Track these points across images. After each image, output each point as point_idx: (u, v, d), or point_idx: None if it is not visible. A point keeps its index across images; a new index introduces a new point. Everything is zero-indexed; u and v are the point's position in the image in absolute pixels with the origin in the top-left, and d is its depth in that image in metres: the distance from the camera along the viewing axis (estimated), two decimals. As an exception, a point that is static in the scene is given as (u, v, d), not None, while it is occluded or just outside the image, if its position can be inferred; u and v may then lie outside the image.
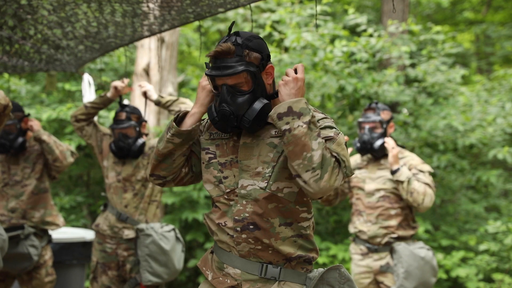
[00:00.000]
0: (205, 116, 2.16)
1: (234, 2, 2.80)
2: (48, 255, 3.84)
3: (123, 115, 3.71)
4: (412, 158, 3.66)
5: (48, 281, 3.80)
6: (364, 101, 6.06)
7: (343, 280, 1.97)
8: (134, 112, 3.72)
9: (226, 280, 2.01)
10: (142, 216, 3.70)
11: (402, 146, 3.76)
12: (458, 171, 6.45)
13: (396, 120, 6.23)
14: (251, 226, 1.95)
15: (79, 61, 4.56)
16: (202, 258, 2.16)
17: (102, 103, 3.78)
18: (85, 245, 4.63)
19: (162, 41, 5.98)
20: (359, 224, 3.71)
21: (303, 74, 1.91)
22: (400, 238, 3.63)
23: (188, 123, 2.04)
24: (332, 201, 3.84)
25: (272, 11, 7.28)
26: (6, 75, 6.07)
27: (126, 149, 3.66)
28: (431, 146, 6.40)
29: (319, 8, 6.23)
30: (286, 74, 1.93)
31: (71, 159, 3.84)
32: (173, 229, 3.69)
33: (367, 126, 3.71)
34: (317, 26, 2.97)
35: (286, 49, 6.53)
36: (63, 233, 4.73)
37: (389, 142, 3.62)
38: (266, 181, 1.95)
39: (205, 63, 2.00)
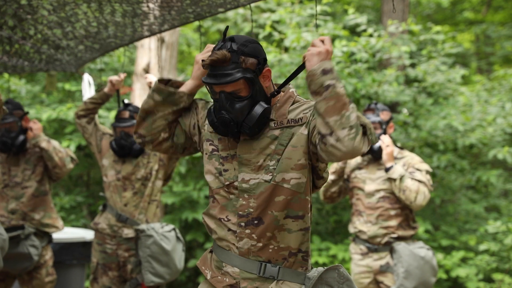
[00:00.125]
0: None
1: (234, 2, 2.80)
2: (48, 255, 3.84)
3: (126, 114, 3.72)
4: (412, 158, 3.66)
5: (48, 281, 3.80)
6: (364, 101, 6.06)
7: (342, 280, 1.97)
8: (137, 112, 3.72)
9: (224, 279, 2.02)
10: (142, 216, 3.70)
11: (401, 148, 3.76)
12: (458, 171, 6.46)
13: (396, 120, 6.23)
14: (255, 221, 1.96)
15: (79, 61, 4.56)
16: (202, 257, 2.17)
17: (100, 98, 3.78)
18: (85, 245, 4.63)
19: (162, 41, 5.98)
20: (359, 224, 3.72)
21: (331, 47, 1.91)
22: (400, 238, 3.63)
23: (173, 86, 2.12)
24: (335, 199, 3.87)
25: (272, 11, 7.29)
26: (6, 75, 6.07)
27: (128, 147, 3.67)
28: (431, 146, 6.40)
29: (319, 8, 6.23)
30: (314, 45, 1.91)
31: (70, 165, 3.84)
32: (174, 229, 3.69)
33: (366, 127, 3.70)
34: (317, 26, 2.97)
35: (286, 49, 6.53)
36: (63, 233, 4.73)
37: (384, 140, 3.63)
38: (271, 173, 1.95)
39: (202, 63, 1.99)
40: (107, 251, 3.70)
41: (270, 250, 1.97)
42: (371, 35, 6.42)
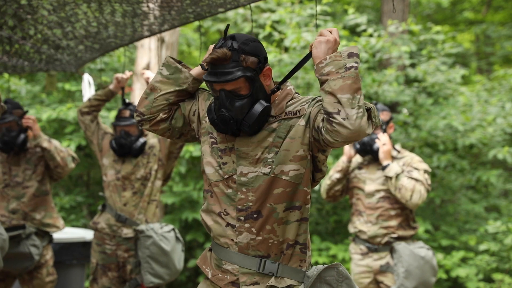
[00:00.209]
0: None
1: (234, 2, 2.81)
2: (49, 254, 3.84)
3: (127, 113, 3.72)
4: (412, 158, 3.66)
5: (49, 280, 3.80)
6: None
7: (341, 279, 1.97)
8: None
9: (225, 276, 2.02)
10: (141, 216, 3.70)
11: (398, 151, 3.73)
12: (458, 171, 6.46)
13: (396, 120, 6.23)
14: (254, 215, 1.97)
15: (79, 61, 4.56)
16: (201, 256, 2.17)
17: (104, 95, 3.77)
18: (85, 245, 4.63)
19: (162, 41, 5.98)
20: (359, 224, 3.72)
21: (339, 38, 1.92)
22: (400, 238, 3.63)
23: (186, 67, 2.13)
24: (337, 198, 3.87)
25: (272, 11, 7.29)
26: (6, 75, 6.07)
27: (128, 146, 3.67)
28: (431, 146, 6.40)
29: (319, 8, 6.24)
30: (322, 34, 1.92)
31: (72, 165, 3.84)
32: (173, 229, 3.69)
33: (366, 127, 3.70)
34: (317, 26, 2.98)
35: (286, 49, 6.53)
36: (63, 233, 4.73)
37: (381, 138, 3.63)
38: (270, 166, 1.96)
39: (200, 64, 2.01)
40: (106, 251, 3.70)
41: (270, 244, 1.97)
42: (371, 35, 6.43)
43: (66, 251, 4.53)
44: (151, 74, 3.73)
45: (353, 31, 7.45)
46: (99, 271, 3.71)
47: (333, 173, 3.82)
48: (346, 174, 3.82)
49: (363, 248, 3.71)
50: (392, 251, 3.55)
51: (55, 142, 3.79)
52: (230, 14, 7.18)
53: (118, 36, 3.71)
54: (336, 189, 3.85)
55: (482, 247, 5.64)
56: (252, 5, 3.52)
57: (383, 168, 3.59)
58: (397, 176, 3.52)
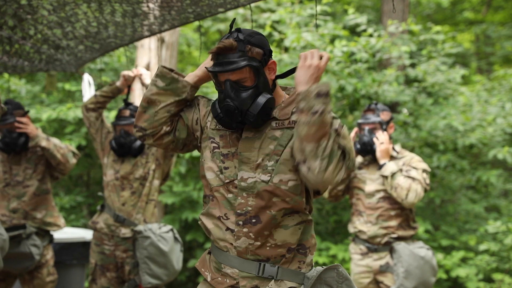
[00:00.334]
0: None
1: (234, 2, 2.80)
2: (49, 254, 3.84)
3: (127, 113, 3.72)
4: (412, 158, 3.66)
5: (49, 280, 3.80)
6: (364, 101, 6.06)
7: (341, 280, 1.97)
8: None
9: (225, 280, 2.02)
10: (140, 215, 3.70)
11: (397, 152, 3.73)
12: (458, 171, 6.46)
13: (396, 120, 6.23)
14: (253, 220, 1.96)
15: (79, 61, 4.56)
16: (200, 259, 2.16)
17: (111, 92, 3.77)
18: (85, 245, 4.63)
19: (162, 41, 5.98)
20: (359, 224, 3.72)
21: (325, 65, 1.89)
22: (400, 238, 3.63)
23: (180, 75, 2.09)
24: (339, 197, 3.87)
25: (272, 11, 7.29)
26: (6, 75, 6.07)
27: (127, 146, 3.66)
28: (431, 146, 6.40)
29: (319, 8, 6.24)
30: (306, 57, 1.89)
31: (73, 160, 3.83)
32: (171, 230, 3.69)
33: (366, 128, 3.71)
34: (317, 26, 2.98)
35: (286, 49, 6.53)
36: (63, 233, 4.73)
37: (379, 137, 3.63)
38: (269, 174, 1.95)
39: (209, 52, 1.99)
40: (105, 252, 3.70)
41: (268, 248, 1.97)
42: (371, 35, 6.43)
43: (66, 251, 4.53)
44: (144, 71, 3.73)
45: (353, 31, 7.45)
46: (98, 272, 3.71)
47: None
48: (349, 173, 3.82)
49: (363, 248, 3.71)
50: (392, 251, 3.55)
51: (53, 140, 3.78)
52: (230, 14, 7.18)
53: (118, 36, 3.71)
54: (339, 189, 3.84)
55: (482, 247, 5.64)
56: (252, 5, 3.53)
57: (380, 167, 3.59)
58: (393, 175, 3.52)
